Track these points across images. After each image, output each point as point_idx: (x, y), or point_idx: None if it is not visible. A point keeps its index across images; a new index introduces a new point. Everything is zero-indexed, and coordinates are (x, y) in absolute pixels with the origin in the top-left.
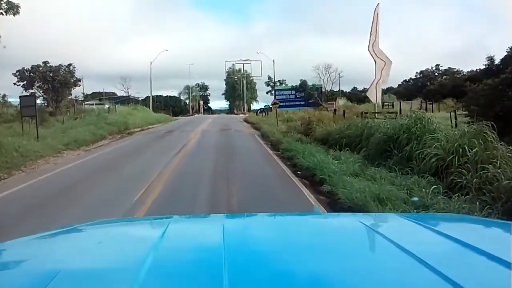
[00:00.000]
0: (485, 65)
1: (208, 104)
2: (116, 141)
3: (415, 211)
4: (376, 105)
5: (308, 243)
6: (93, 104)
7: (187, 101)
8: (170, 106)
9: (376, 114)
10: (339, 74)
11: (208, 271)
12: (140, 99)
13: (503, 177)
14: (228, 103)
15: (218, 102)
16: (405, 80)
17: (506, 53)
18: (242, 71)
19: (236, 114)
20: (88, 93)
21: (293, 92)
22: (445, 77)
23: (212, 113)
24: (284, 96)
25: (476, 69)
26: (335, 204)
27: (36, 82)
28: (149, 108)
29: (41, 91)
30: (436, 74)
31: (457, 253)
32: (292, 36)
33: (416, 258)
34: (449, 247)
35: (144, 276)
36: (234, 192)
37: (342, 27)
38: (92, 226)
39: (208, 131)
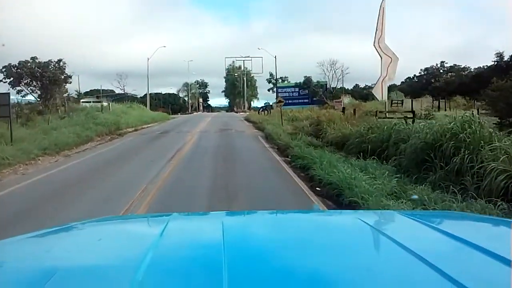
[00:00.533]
0: (494, 61)
1: (208, 102)
2: (103, 144)
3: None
4: (386, 103)
5: (308, 240)
6: (90, 102)
7: (186, 99)
8: (169, 104)
9: (386, 113)
10: (342, 70)
11: (208, 268)
12: (138, 96)
13: None
14: (228, 100)
15: (218, 100)
16: (408, 77)
17: None
18: (242, 68)
19: (237, 112)
20: (86, 90)
21: (297, 89)
22: (450, 74)
23: (211, 111)
24: (287, 93)
25: (483, 66)
26: None
27: (24, 79)
28: (146, 106)
29: (29, 88)
30: (441, 71)
31: (457, 251)
32: (293, 33)
33: (416, 255)
34: (449, 244)
35: (143, 273)
36: None
37: (344, 24)
38: (92, 224)
39: (207, 131)
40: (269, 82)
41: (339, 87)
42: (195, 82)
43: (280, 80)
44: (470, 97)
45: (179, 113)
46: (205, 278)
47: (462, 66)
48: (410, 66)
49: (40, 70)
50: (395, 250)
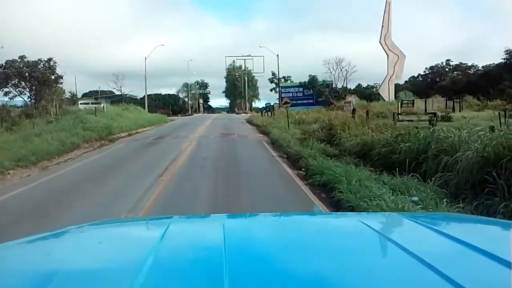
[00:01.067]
0: (504, 59)
1: (208, 103)
2: (90, 152)
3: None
4: (398, 104)
5: (309, 242)
6: (88, 103)
7: (186, 99)
8: (169, 105)
9: (398, 115)
10: (347, 70)
11: (209, 271)
12: (138, 97)
13: None
14: (228, 101)
15: (219, 100)
16: (412, 76)
17: None
18: (243, 67)
19: (238, 113)
20: (85, 91)
21: (301, 89)
22: (456, 72)
23: (212, 112)
24: (291, 93)
25: (490, 64)
26: None
27: (11, 79)
28: (145, 107)
29: (17, 90)
30: (446, 69)
31: (457, 253)
32: (294, 33)
33: (416, 257)
34: (450, 246)
35: (145, 276)
36: None
37: (345, 23)
38: (93, 227)
39: (206, 137)
40: (271, 81)
41: (343, 86)
42: (195, 82)
43: (282, 80)
44: (479, 96)
45: (179, 114)
46: (206, 281)
47: (469, 65)
48: (412, 65)
49: (28, 70)
50: (396, 252)
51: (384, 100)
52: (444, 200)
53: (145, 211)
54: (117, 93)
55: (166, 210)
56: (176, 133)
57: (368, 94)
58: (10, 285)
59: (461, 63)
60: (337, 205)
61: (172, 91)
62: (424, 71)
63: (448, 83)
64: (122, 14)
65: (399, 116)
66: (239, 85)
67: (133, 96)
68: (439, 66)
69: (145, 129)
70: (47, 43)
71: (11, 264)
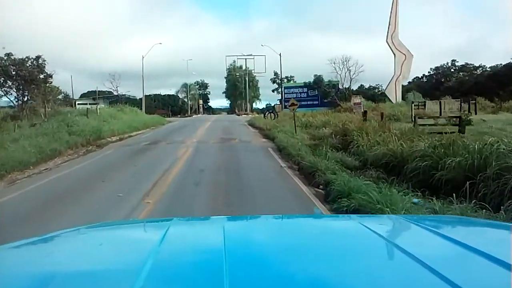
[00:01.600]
0: None
1: (208, 103)
2: (72, 160)
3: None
4: (412, 106)
5: (309, 245)
6: (86, 104)
7: (185, 100)
8: (169, 106)
9: (411, 117)
10: (354, 68)
11: (209, 274)
12: (137, 98)
13: None
14: (229, 102)
15: (219, 101)
16: (416, 77)
17: None
18: (244, 67)
19: (238, 115)
20: (83, 92)
21: (305, 89)
22: (462, 73)
23: (212, 113)
24: (294, 94)
25: (497, 64)
26: None
27: None
28: (142, 108)
29: (3, 89)
30: (452, 70)
31: (458, 255)
32: (296, 33)
33: (417, 260)
34: (450, 249)
35: (144, 279)
36: None
37: (347, 23)
38: (93, 229)
39: (205, 142)
40: (274, 82)
41: (349, 87)
42: (195, 83)
43: (285, 80)
44: (492, 98)
45: (178, 115)
46: (206, 284)
47: (477, 65)
48: (415, 65)
49: (15, 68)
50: (396, 255)
51: (391, 101)
52: None
53: None
54: (116, 93)
55: None
56: (172, 137)
57: (371, 95)
58: (11, 286)
59: (467, 63)
60: None
61: (172, 92)
62: (429, 72)
63: (454, 84)
64: (122, 14)
65: (412, 119)
66: (239, 85)
67: (132, 96)
68: (444, 66)
69: (139, 132)
70: (44, 42)
71: (11, 266)
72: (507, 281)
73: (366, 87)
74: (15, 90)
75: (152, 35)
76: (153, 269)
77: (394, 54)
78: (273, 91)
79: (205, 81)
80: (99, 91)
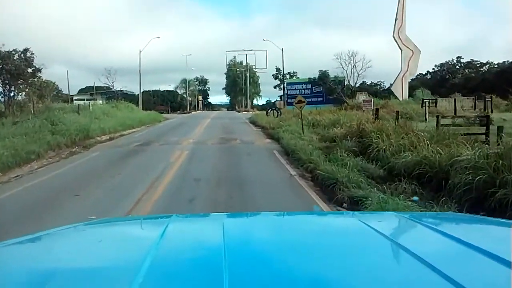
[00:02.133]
0: None
1: (208, 99)
2: (50, 165)
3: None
4: (426, 104)
5: (309, 242)
6: (83, 99)
7: (185, 96)
8: (168, 102)
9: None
10: (355, 64)
11: (208, 270)
12: (136, 93)
13: None
14: (229, 98)
15: (219, 97)
16: (420, 74)
17: None
18: (245, 63)
19: (239, 111)
20: (82, 87)
21: (309, 86)
22: (468, 70)
23: (212, 109)
24: (298, 90)
25: (504, 61)
26: None
27: None
28: (139, 104)
29: None
30: (457, 67)
31: (458, 252)
32: (297, 28)
33: (417, 257)
34: (449, 245)
35: (144, 275)
36: None
37: (349, 19)
38: (92, 225)
39: (203, 143)
40: (276, 77)
41: (356, 83)
42: (194, 78)
43: (287, 76)
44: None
45: (178, 112)
46: (206, 281)
47: (484, 62)
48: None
49: (0, 62)
50: (396, 252)
51: (397, 98)
52: None
53: None
54: (118, 89)
55: None
56: (168, 137)
57: (373, 91)
58: (10, 284)
59: (472, 60)
60: None
61: (171, 88)
62: (433, 69)
63: (460, 81)
64: (122, 9)
65: (426, 118)
66: (240, 81)
67: (130, 92)
68: (449, 63)
69: (133, 130)
70: (42, 37)
71: (10, 263)
72: (508, 279)
73: (368, 83)
74: (0, 85)
75: (152, 30)
76: (152, 266)
77: (401, 50)
78: (275, 87)
79: (204, 77)
80: (98, 86)
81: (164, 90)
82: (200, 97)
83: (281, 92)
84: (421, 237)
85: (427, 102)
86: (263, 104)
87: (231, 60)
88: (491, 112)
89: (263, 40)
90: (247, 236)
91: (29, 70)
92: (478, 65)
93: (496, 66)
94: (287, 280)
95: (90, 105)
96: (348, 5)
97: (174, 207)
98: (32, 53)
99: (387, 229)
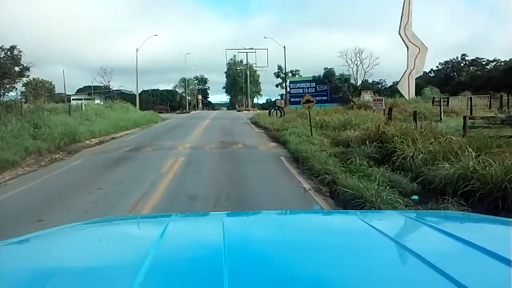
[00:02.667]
0: None
1: (208, 99)
2: (26, 175)
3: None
4: (441, 102)
5: (309, 241)
6: (81, 99)
7: (184, 95)
8: (168, 101)
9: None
10: (362, 61)
11: (208, 269)
12: (134, 93)
13: None
14: (229, 97)
15: (218, 96)
16: (423, 72)
17: None
18: (246, 61)
19: (239, 111)
20: (80, 87)
21: (313, 84)
22: (473, 68)
23: (212, 108)
24: (301, 89)
25: (510, 59)
26: None
27: None
28: (136, 104)
29: None
30: (462, 64)
31: (457, 251)
32: (297, 29)
33: (416, 255)
34: (450, 244)
35: (144, 274)
36: None
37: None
38: (92, 224)
39: (201, 148)
40: (277, 76)
41: (363, 81)
42: (194, 77)
43: (290, 74)
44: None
45: (177, 111)
46: (206, 280)
47: (491, 59)
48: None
49: None
50: (396, 250)
51: (404, 97)
52: None
53: None
54: (114, 88)
55: None
56: (162, 141)
57: (376, 90)
58: (10, 282)
59: (477, 57)
60: None
61: (170, 87)
62: (437, 66)
63: (466, 78)
64: (122, 9)
65: (441, 118)
66: (240, 80)
67: (129, 91)
68: (453, 61)
69: (127, 132)
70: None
71: (11, 262)
72: (507, 277)
73: (369, 82)
74: None
75: (152, 30)
76: (152, 265)
77: (407, 47)
78: (277, 86)
79: (204, 76)
80: (96, 86)
81: (163, 90)
82: (199, 97)
83: (283, 91)
84: (422, 236)
85: (440, 101)
86: (263, 103)
87: (231, 59)
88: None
89: (265, 37)
90: (247, 235)
91: (16, 68)
92: (483, 63)
93: (502, 63)
94: (287, 279)
95: (83, 106)
96: (348, 4)
97: None
98: (20, 51)
99: (388, 227)
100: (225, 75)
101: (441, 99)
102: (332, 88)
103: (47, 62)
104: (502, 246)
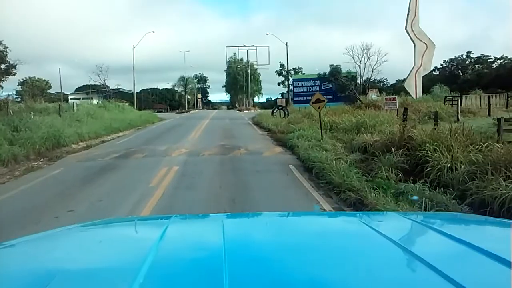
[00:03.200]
0: None
1: (208, 97)
2: None
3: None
4: (458, 102)
5: (309, 242)
6: (79, 98)
7: (183, 94)
8: (167, 100)
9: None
10: (370, 58)
11: (208, 271)
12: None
13: None
14: (229, 96)
15: (218, 95)
16: None
17: None
18: (246, 59)
19: (240, 110)
20: (79, 86)
21: (317, 82)
22: (478, 65)
23: (212, 107)
24: (305, 87)
25: None
26: None
27: None
28: (133, 103)
29: None
30: (467, 62)
31: (458, 252)
32: (297, 27)
33: (417, 257)
34: (450, 246)
35: (144, 276)
36: None
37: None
38: (93, 226)
39: (198, 155)
40: (279, 74)
41: (369, 78)
42: (193, 76)
43: (292, 72)
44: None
45: (176, 110)
46: (206, 281)
47: (498, 56)
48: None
49: None
50: (397, 252)
51: (411, 96)
52: None
53: None
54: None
55: None
56: (156, 145)
57: (379, 89)
58: (11, 284)
59: (483, 55)
60: None
61: (169, 86)
62: (441, 64)
63: (472, 76)
64: (121, 9)
65: (458, 118)
66: (240, 79)
67: (127, 90)
68: (458, 58)
69: (119, 134)
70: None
71: (12, 263)
72: (507, 278)
73: (372, 80)
74: None
75: (151, 28)
76: (152, 267)
77: (414, 44)
78: (278, 84)
79: (204, 75)
80: (95, 85)
81: (163, 89)
82: (199, 95)
83: (285, 90)
84: (422, 238)
85: (454, 99)
86: (264, 102)
87: (231, 57)
88: None
89: (266, 34)
90: (247, 237)
91: (2, 66)
92: (490, 60)
93: (509, 61)
94: (287, 281)
95: (75, 105)
96: (348, 2)
97: None
98: (6, 47)
99: (388, 229)
100: (225, 73)
101: (453, 98)
102: (339, 86)
103: (45, 61)
104: (503, 248)
